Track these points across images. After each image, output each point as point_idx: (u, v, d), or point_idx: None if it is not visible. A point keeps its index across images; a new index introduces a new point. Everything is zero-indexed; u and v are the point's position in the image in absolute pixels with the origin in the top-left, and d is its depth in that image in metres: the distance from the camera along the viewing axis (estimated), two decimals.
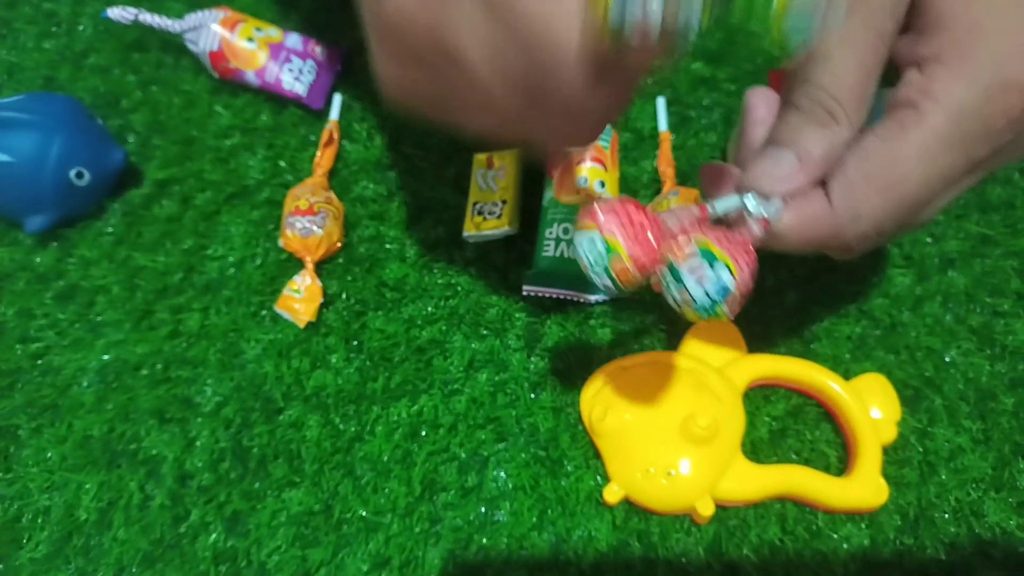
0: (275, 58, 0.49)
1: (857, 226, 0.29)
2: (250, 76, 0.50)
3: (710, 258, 0.28)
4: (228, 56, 0.49)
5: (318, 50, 0.51)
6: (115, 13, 0.50)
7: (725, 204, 0.30)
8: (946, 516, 0.38)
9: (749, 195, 0.30)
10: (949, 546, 0.37)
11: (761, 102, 0.33)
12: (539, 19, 0.23)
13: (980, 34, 0.27)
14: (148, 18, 0.50)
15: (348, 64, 0.52)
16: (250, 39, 0.50)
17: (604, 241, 0.28)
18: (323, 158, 0.47)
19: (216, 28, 0.49)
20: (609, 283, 0.28)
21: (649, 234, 0.28)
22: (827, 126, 0.29)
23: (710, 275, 0.28)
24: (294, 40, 0.51)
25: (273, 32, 0.50)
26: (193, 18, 0.50)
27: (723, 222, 0.31)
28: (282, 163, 0.49)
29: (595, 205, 0.28)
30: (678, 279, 0.28)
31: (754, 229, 0.29)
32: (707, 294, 0.28)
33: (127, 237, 0.47)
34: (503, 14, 0.23)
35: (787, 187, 0.29)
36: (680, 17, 0.22)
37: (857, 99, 0.29)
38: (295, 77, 0.49)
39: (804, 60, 0.29)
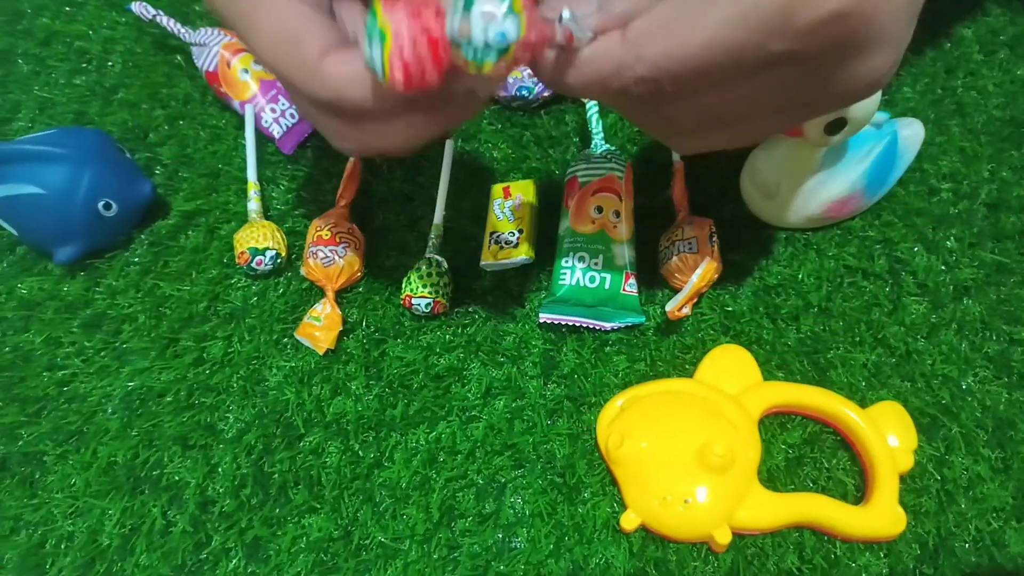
0: (264, 94, 0.51)
1: (637, 66, 0.27)
2: (236, 104, 0.51)
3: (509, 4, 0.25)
4: (221, 80, 0.51)
5: None
6: (137, 8, 0.53)
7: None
8: (966, 546, 0.38)
9: (568, 11, 0.28)
10: None
11: None
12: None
13: None
14: (164, 20, 0.53)
15: None
16: (246, 70, 0.51)
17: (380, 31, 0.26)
18: (346, 190, 0.48)
19: (218, 50, 0.51)
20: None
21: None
22: None
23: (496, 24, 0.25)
24: None
25: None
26: (202, 34, 0.52)
27: None
28: (304, 194, 0.50)
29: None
30: (468, 6, 0.26)
31: (557, 35, 0.28)
32: (486, 35, 0.25)
33: (154, 267, 0.48)
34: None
35: (583, 25, 0.28)
36: None
37: None
38: (275, 118, 0.51)
39: None
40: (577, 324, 0.44)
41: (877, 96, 0.39)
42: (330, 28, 0.30)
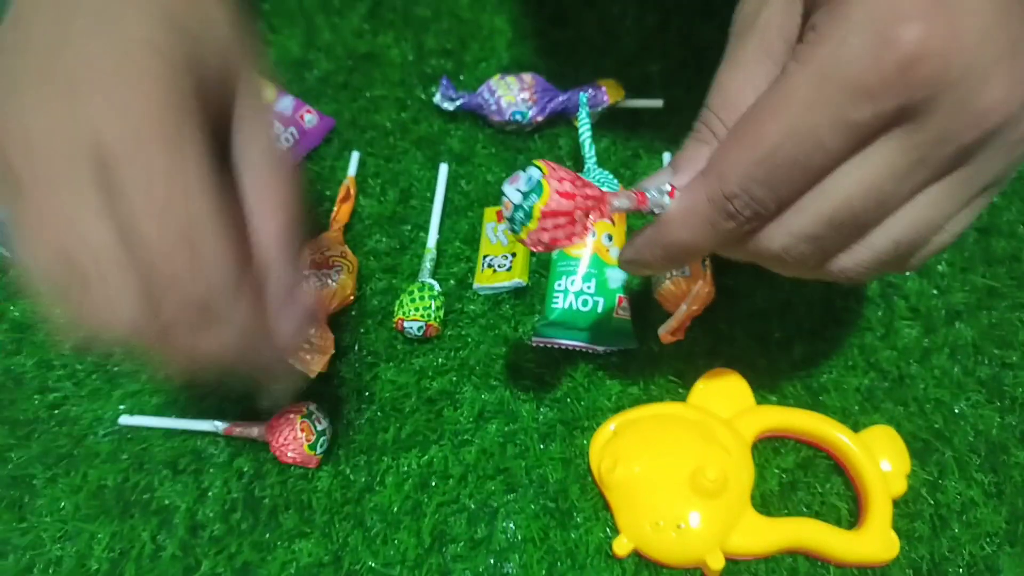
0: None
1: (724, 185, 0.27)
2: None
3: (528, 167, 0.29)
4: None
5: (307, 117, 0.52)
6: None
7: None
8: (960, 571, 0.38)
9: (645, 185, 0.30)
10: None
11: None
12: None
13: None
14: None
15: (363, 122, 0.54)
16: None
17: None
18: (339, 213, 0.49)
19: None
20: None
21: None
22: (708, 141, 0.29)
23: (523, 175, 0.29)
24: (286, 103, 0.52)
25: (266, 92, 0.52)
26: None
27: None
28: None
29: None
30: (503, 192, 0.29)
31: (622, 200, 0.29)
32: (519, 192, 0.29)
33: None
34: None
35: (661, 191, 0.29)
36: None
37: (740, 112, 0.28)
38: None
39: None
40: (570, 347, 0.44)
41: None
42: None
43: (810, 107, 0.25)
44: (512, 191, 0.29)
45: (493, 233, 0.47)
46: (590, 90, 0.52)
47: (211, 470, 0.41)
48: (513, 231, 0.29)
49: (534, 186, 0.28)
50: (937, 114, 0.25)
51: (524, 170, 0.29)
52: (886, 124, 0.25)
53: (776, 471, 0.40)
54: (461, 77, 0.56)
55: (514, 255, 0.46)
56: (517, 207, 0.29)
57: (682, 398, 0.42)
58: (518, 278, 0.45)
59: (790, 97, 0.25)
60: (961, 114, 0.25)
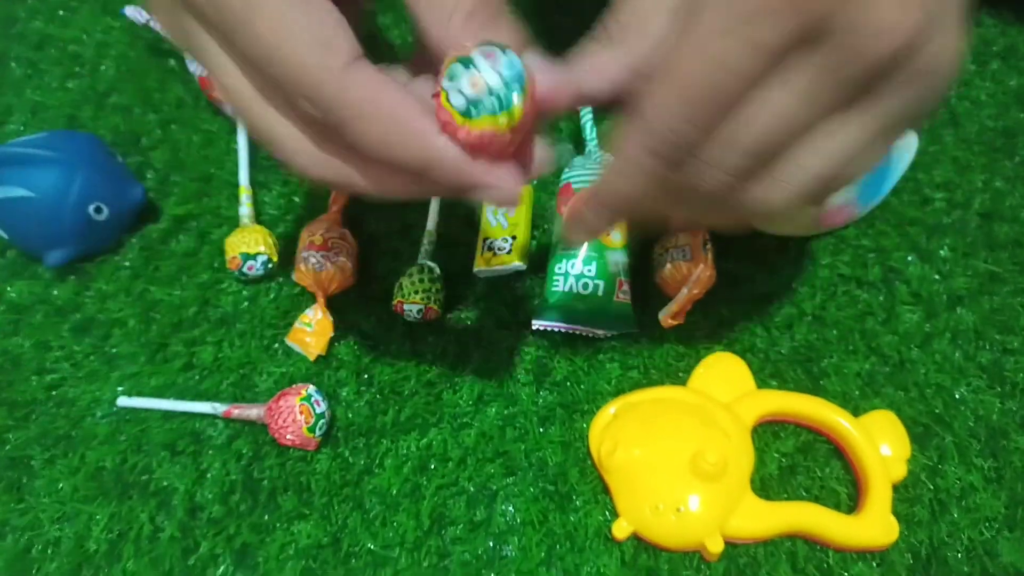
0: None
1: (654, 128, 0.27)
2: (228, 109, 0.51)
3: (500, 47, 0.25)
4: (214, 84, 0.51)
5: None
6: (131, 12, 0.54)
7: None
8: (959, 555, 0.38)
9: None
10: None
11: None
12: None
13: None
14: (158, 25, 0.53)
15: None
16: None
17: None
18: (338, 195, 0.48)
19: None
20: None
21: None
22: (606, 46, 0.29)
23: (502, 57, 0.25)
24: None
25: None
26: None
27: None
28: (296, 199, 0.50)
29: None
30: (468, 65, 0.25)
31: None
32: (501, 76, 0.25)
33: (144, 271, 0.47)
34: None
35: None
36: None
37: (643, 21, 0.28)
38: None
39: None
40: (570, 331, 0.43)
41: None
42: (355, 38, 0.28)
43: (721, 31, 0.25)
44: (488, 69, 0.25)
45: (493, 216, 0.47)
46: None
47: (210, 452, 0.41)
48: (466, 115, 0.25)
49: (516, 76, 0.25)
50: (837, 34, 0.25)
51: (500, 49, 0.25)
52: (793, 44, 0.25)
53: (776, 455, 0.40)
54: None
55: (514, 238, 0.46)
56: (493, 91, 0.25)
57: (682, 382, 0.42)
58: (518, 262, 0.45)
59: (701, 23, 0.25)
60: (858, 34, 0.25)
